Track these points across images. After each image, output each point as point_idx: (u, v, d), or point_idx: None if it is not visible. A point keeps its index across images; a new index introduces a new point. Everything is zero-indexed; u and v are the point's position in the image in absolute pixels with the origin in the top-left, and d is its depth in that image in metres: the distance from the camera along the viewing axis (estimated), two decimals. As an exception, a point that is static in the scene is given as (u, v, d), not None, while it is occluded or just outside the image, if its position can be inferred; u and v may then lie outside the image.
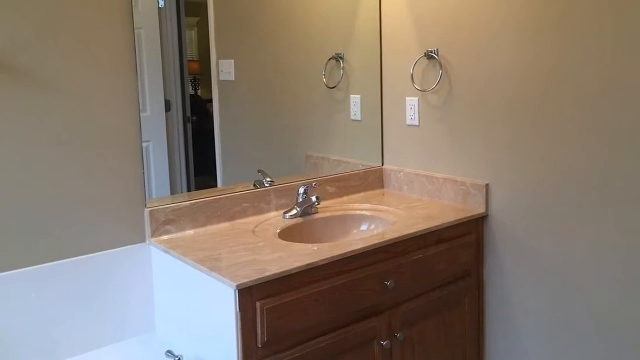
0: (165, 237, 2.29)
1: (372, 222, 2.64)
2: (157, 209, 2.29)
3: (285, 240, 2.29)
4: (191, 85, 2.57)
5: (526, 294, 2.51)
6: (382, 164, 3.09)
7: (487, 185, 2.59)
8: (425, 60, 2.78)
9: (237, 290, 1.84)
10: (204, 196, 2.44)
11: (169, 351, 2.08)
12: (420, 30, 2.78)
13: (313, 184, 2.67)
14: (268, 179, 2.66)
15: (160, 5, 2.38)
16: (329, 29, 2.92)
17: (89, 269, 2.17)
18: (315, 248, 2.14)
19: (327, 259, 2.05)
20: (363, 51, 3.00)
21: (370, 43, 3.01)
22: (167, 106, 2.42)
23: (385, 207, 2.70)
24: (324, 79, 2.92)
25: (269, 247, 2.16)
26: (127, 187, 2.24)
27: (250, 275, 1.88)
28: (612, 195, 2.18)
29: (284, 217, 2.55)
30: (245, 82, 2.65)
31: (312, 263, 2.00)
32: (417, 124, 2.86)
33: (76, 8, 2.08)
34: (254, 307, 1.89)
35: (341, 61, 2.95)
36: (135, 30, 2.23)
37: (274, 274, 1.90)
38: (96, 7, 2.12)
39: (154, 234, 2.28)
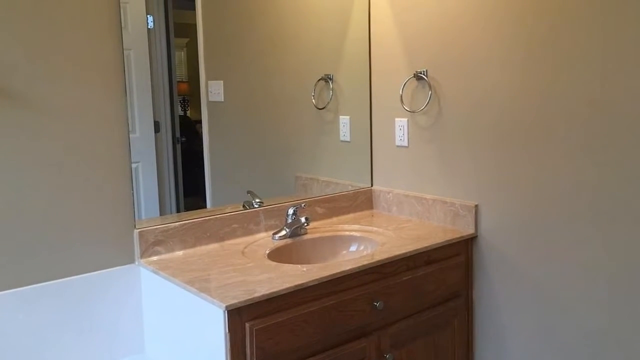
0: (155, 258, 2.32)
1: (362, 243, 2.67)
2: (147, 230, 2.32)
3: (275, 261, 2.32)
4: (180, 106, 2.59)
5: (516, 315, 2.54)
6: (372, 185, 3.13)
7: (476, 206, 2.62)
8: (414, 82, 2.82)
9: (226, 311, 1.87)
10: (194, 217, 2.47)
11: (157, 373, 2.10)
12: (409, 51, 2.83)
13: (302, 205, 2.70)
14: (257, 200, 2.70)
15: (149, 27, 2.40)
16: (318, 50, 2.96)
17: (78, 290, 2.19)
18: (305, 269, 2.17)
19: (317, 280, 2.07)
20: (352, 72, 3.05)
21: (360, 64, 3.05)
22: (157, 127, 2.44)
23: (375, 228, 2.73)
24: (314, 100, 2.95)
25: (259, 268, 2.18)
26: (116, 208, 2.27)
27: (240, 296, 1.90)
28: (601, 216, 2.22)
29: (273, 238, 2.58)
30: (234, 103, 2.68)
31: (302, 284, 2.03)
32: (406, 145, 2.90)
33: (65, 30, 2.11)
34: (243, 328, 1.91)
35: (330, 82, 2.99)
36: (124, 52, 2.26)
37: (264, 295, 1.93)
38: (86, 29, 2.15)
39: (144, 255, 2.31)
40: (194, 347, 2.07)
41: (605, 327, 2.26)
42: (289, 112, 2.87)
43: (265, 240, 2.57)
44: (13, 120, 2.03)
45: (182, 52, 2.59)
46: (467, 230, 2.64)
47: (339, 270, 2.15)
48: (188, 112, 2.65)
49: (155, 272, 2.20)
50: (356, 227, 2.78)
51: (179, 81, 2.56)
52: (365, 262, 2.24)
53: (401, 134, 2.92)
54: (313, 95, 2.95)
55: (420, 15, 2.75)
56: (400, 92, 2.87)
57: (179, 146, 2.53)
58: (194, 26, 2.56)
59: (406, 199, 2.91)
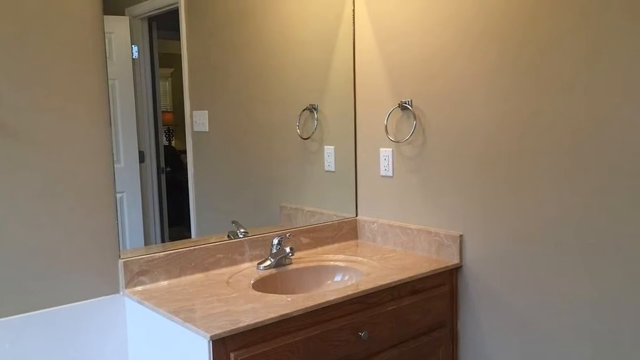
0: (140, 288, 2.36)
1: (346, 273, 2.71)
2: (131, 260, 2.35)
3: (260, 291, 2.36)
4: (165, 136, 2.63)
5: (500, 345, 2.58)
6: (356, 215, 3.18)
7: (461, 236, 2.67)
8: (399, 111, 2.88)
9: (211, 341, 1.90)
10: (178, 247, 2.50)
11: (141, 404, 2.12)
12: (394, 81, 2.89)
13: (287, 235, 2.75)
14: (242, 230, 2.74)
15: (134, 57, 2.45)
16: (303, 80, 3.01)
17: (63, 320, 2.22)
18: (289, 299, 2.21)
19: (301, 310, 2.11)
20: (337, 102, 3.11)
21: (345, 94, 3.12)
22: (141, 157, 2.48)
23: (360, 258, 2.77)
24: (298, 130, 3.00)
25: (243, 298, 2.22)
26: (101, 238, 2.31)
27: (224, 326, 1.94)
28: (585, 247, 2.26)
29: (258, 268, 2.62)
30: (219, 133, 2.72)
31: (286, 314, 2.07)
32: (391, 175, 2.96)
33: (50, 60, 2.16)
34: (228, 358, 1.94)
35: (315, 112, 3.05)
36: (109, 82, 2.30)
37: (248, 325, 1.97)
38: (70, 59, 2.20)
39: (128, 285, 2.34)
40: (179, 377, 2.10)
41: (588, 357, 2.29)
42: (274, 142, 2.92)
43: (249, 270, 2.61)
44: (-2, 150, 2.08)
45: (167, 82, 2.63)
46: (452, 260, 2.69)
47: (323, 300, 2.19)
48: (173, 142, 2.69)
49: (140, 302, 2.24)
50: (341, 257, 2.82)
51: (163, 111, 2.59)
52: (350, 292, 2.28)
53: (386, 164, 2.98)
54: (298, 125, 3.00)
55: (404, 46, 2.82)
56: (385, 122, 2.93)
57: (163, 176, 2.56)
58: (179, 56, 2.60)
59: (391, 229, 2.96)
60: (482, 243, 2.60)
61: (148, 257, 2.40)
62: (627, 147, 2.12)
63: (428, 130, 2.76)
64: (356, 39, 3.08)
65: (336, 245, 3.05)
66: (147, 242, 2.51)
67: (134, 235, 2.45)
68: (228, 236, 2.71)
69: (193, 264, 2.53)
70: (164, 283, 2.42)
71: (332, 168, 3.11)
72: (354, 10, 3.08)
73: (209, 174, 2.70)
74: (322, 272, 2.73)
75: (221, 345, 1.93)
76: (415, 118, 2.80)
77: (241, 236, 2.73)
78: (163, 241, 2.56)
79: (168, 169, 2.58)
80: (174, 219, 2.60)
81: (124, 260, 2.34)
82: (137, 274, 2.36)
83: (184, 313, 2.07)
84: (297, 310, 2.10)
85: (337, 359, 2.25)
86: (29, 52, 2.11)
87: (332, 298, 2.22)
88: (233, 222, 2.75)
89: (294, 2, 2.93)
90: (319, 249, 2.97)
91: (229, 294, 2.27)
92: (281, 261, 2.67)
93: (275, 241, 2.66)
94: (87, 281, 2.28)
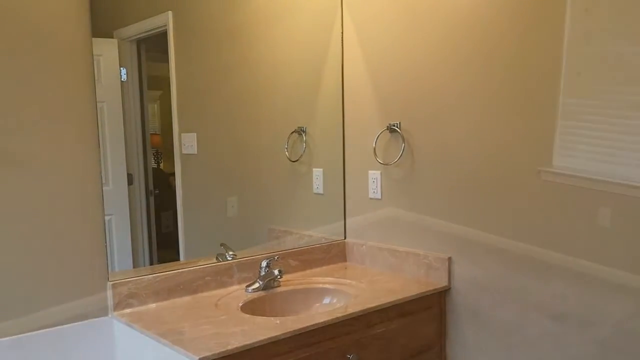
0: (128, 310, 2.39)
1: (335, 296, 2.74)
2: (120, 282, 2.38)
3: (248, 313, 2.39)
4: (154, 158, 2.66)
5: (489, 368, 2.62)
6: (345, 238, 3.22)
7: (449, 258, 2.71)
8: (387, 134, 2.93)
9: (200, 364, 1.94)
10: (167, 270, 2.53)
11: None
12: (382, 104, 2.94)
13: (276, 257, 2.78)
14: (230, 253, 2.78)
15: (123, 79, 2.48)
16: (291, 103, 3.06)
17: (51, 342, 2.23)
18: (278, 321, 2.24)
19: (290, 332, 2.14)
20: (326, 125, 3.16)
21: (333, 117, 3.17)
22: (130, 180, 2.52)
23: (348, 281, 2.81)
24: (287, 153, 3.05)
25: (232, 321, 2.25)
26: (89, 260, 2.33)
27: (213, 348, 1.97)
28: (574, 268, 2.29)
29: (246, 290, 2.65)
30: (207, 156, 2.75)
31: (275, 336, 2.10)
32: (379, 197, 3.00)
33: (38, 83, 2.19)
34: (216, 381, 1.98)
35: (304, 135, 3.09)
36: (97, 104, 2.34)
37: (237, 347, 1.99)
38: (59, 81, 2.23)
39: (117, 307, 2.37)
40: (167, 400, 2.13)
41: (576, 379, 2.34)
42: (262, 164, 2.96)
43: (238, 292, 2.64)
44: (-15, 173, 2.11)
45: (155, 105, 2.66)
46: (441, 282, 2.72)
47: (312, 323, 2.22)
48: (161, 165, 2.71)
49: (128, 325, 2.27)
50: (329, 279, 2.85)
51: (152, 133, 2.62)
52: (339, 315, 2.31)
53: (374, 187, 3.02)
54: (286, 148, 3.04)
55: (393, 69, 2.87)
56: (374, 145, 2.98)
57: (152, 198, 2.60)
58: (167, 79, 2.64)
59: (379, 251, 3.00)
60: (471, 265, 2.64)
61: (137, 279, 2.43)
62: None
63: (416, 152, 2.81)
64: (345, 61, 3.14)
65: (325, 267, 3.09)
66: (135, 265, 2.53)
67: (122, 258, 2.48)
68: (216, 259, 2.74)
69: (181, 287, 2.56)
70: (153, 305, 2.45)
71: (321, 190, 3.15)
72: (342, 33, 3.14)
73: (197, 196, 2.73)
74: (310, 295, 2.76)
75: (210, 368, 1.96)
76: (403, 140, 2.85)
77: (230, 259, 2.76)
78: (152, 264, 2.59)
79: (156, 191, 2.61)
80: (163, 242, 2.63)
81: (113, 282, 2.37)
82: (125, 297, 2.39)
83: (172, 335, 2.10)
84: (286, 333, 2.13)
85: (326, 381, 2.29)
86: (17, 74, 2.14)
87: (320, 320, 2.25)
88: (221, 244, 2.78)
89: (283, 26, 2.99)
90: (308, 272, 3.01)
91: (217, 317, 2.30)
92: (270, 284, 2.70)
93: (264, 264, 2.69)
94: (75, 304, 2.30)
